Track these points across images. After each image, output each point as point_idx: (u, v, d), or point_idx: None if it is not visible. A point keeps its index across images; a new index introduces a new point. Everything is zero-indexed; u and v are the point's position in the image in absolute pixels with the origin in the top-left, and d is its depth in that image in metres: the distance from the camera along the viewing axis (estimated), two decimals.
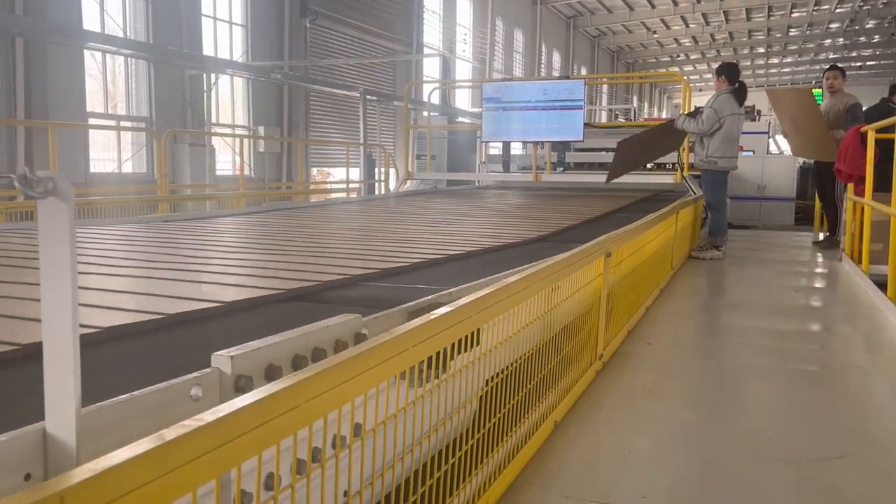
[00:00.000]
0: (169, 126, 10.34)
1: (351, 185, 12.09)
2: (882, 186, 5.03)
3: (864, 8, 25.48)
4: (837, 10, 25.70)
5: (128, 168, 10.83)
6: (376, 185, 12.53)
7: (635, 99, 34.19)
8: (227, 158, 12.94)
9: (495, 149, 11.55)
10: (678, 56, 33.61)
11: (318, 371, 0.97)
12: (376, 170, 13.17)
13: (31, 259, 2.86)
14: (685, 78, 9.65)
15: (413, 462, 1.34)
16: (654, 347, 3.32)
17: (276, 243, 3.63)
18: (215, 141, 11.95)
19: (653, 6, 25.39)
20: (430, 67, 18.93)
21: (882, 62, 33.89)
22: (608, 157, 9.63)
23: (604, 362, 2.86)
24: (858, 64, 34.38)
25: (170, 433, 0.73)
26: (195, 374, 1.02)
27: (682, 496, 1.91)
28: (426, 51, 18.09)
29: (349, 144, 12.97)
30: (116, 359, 1.53)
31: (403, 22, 17.42)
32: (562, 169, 9.77)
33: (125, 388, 0.96)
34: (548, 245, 3.66)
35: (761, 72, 37.31)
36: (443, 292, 1.80)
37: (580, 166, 9.96)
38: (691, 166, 7.42)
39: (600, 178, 8.71)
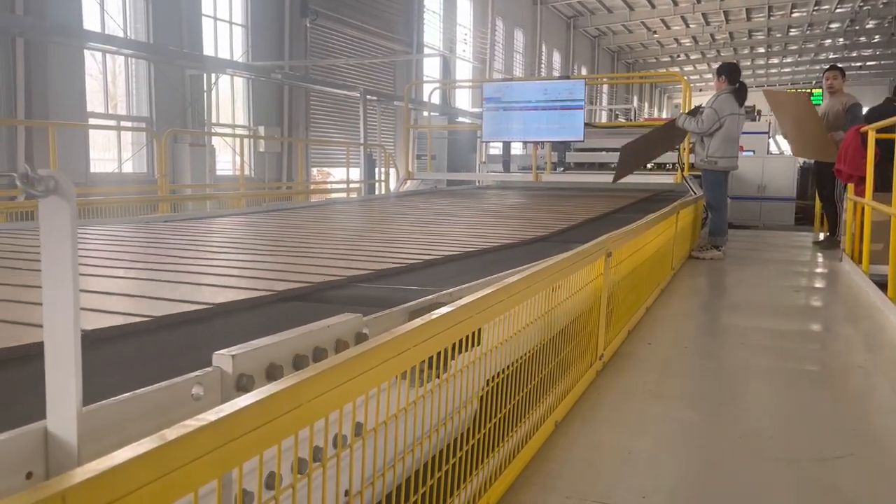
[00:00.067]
0: (169, 126, 10.35)
1: (351, 185, 12.09)
2: (882, 186, 5.04)
3: (865, 8, 25.48)
4: (837, 10, 25.71)
5: (128, 168, 10.83)
6: (376, 185, 12.54)
7: (635, 99, 34.20)
8: (228, 158, 12.95)
9: (495, 149, 11.55)
10: (678, 56, 33.62)
11: (319, 371, 0.97)
12: (376, 170, 13.17)
13: (29, 260, 2.86)
14: (685, 78, 9.65)
15: (414, 462, 1.34)
16: (654, 347, 3.32)
17: (277, 243, 3.63)
18: (215, 141, 11.95)
19: (653, 6, 25.40)
20: (431, 67, 18.94)
21: (882, 62, 33.91)
22: (608, 158, 9.67)
23: (604, 362, 2.86)
24: (858, 64, 34.39)
25: (171, 433, 0.73)
26: (196, 373, 1.02)
27: (683, 496, 1.91)
28: (426, 51, 18.09)
29: (349, 144, 12.98)
30: (117, 359, 1.53)
31: (404, 22, 17.43)
32: (562, 169, 9.77)
33: (125, 388, 0.96)
34: (548, 245, 3.66)
35: (761, 72, 37.32)
36: (443, 292, 1.80)
37: (580, 166, 9.97)
38: (692, 166, 7.43)
39: (601, 178, 8.76)
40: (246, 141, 12.26)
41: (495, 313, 1.60)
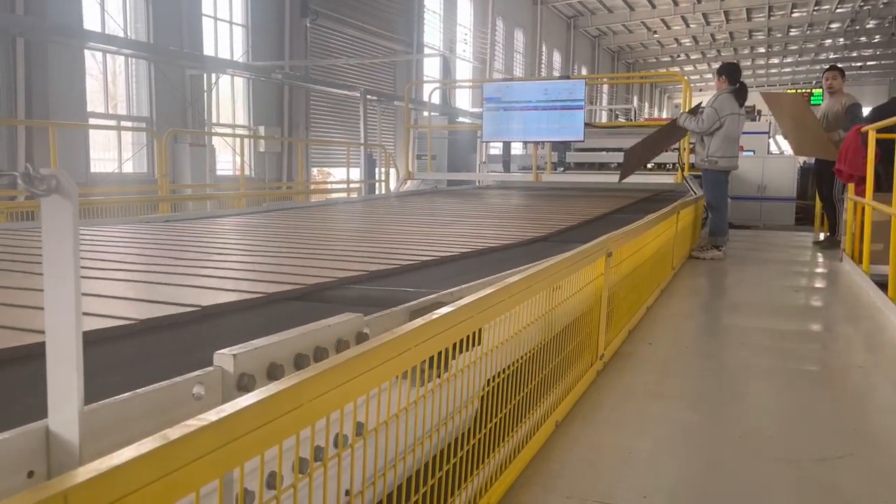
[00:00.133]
0: (169, 126, 10.34)
1: (351, 185, 12.09)
2: (883, 186, 5.03)
3: (865, 8, 25.48)
4: (838, 10, 25.71)
5: (128, 168, 10.83)
6: (377, 184, 12.54)
7: (636, 99, 34.20)
8: (228, 158, 12.95)
9: (496, 149, 11.55)
10: (678, 56, 33.62)
11: (320, 371, 0.97)
12: (377, 170, 13.17)
13: (29, 261, 2.86)
14: (685, 78, 9.65)
15: (415, 461, 1.34)
16: (654, 347, 3.32)
17: (277, 243, 3.63)
18: (216, 141, 11.95)
19: (653, 6, 25.40)
20: (431, 67, 18.94)
21: (882, 62, 33.90)
22: (608, 157, 9.68)
23: (605, 362, 2.86)
24: (859, 64, 34.39)
25: (173, 433, 0.73)
26: (198, 372, 1.02)
27: (684, 496, 1.91)
28: (426, 51, 18.09)
29: (350, 144, 12.97)
30: (117, 359, 1.53)
31: (404, 22, 17.43)
32: (562, 169, 9.77)
33: (126, 388, 0.96)
34: (549, 245, 3.66)
35: (762, 72, 37.32)
36: (444, 292, 1.80)
37: (580, 166, 9.97)
38: (692, 166, 7.43)
39: (601, 178, 8.76)
40: (246, 141, 12.26)
41: (496, 313, 1.60)
